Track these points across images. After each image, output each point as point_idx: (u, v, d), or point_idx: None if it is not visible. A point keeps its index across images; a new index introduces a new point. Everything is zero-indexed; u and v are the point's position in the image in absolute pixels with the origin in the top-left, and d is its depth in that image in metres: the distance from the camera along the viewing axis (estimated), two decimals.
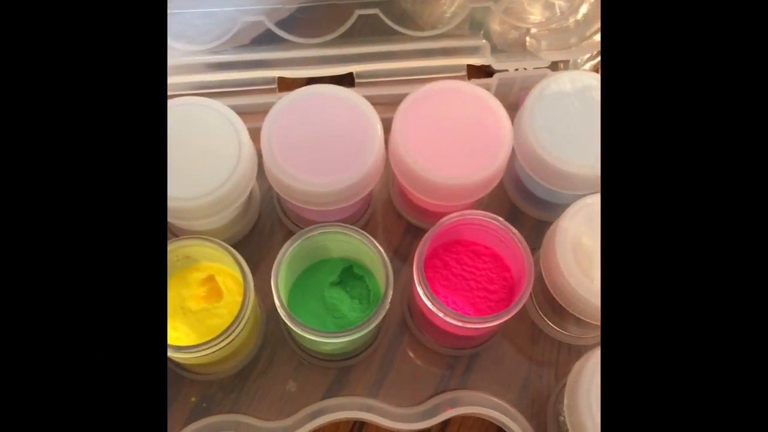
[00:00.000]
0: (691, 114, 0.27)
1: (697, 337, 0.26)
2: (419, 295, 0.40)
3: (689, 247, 0.27)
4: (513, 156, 0.44)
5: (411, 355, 0.45)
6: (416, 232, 0.48)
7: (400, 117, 0.43)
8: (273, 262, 0.40)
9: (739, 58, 0.27)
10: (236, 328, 0.38)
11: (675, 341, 0.26)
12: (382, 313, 0.39)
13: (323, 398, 0.44)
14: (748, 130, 0.27)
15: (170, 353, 0.38)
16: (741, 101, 0.27)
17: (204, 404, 0.43)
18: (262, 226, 0.48)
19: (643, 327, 0.27)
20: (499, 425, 0.43)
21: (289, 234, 0.47)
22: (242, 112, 0.43)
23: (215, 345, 0.38)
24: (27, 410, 0.25)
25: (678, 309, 0.27)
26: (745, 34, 0.27)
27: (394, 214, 0.49)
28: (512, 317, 0.39)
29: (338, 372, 0.45)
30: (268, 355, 0.45)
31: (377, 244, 0.40)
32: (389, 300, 0.39)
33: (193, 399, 0.43)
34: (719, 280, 0.27)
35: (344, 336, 0.39)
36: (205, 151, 0.41)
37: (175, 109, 0.42)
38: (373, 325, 0.39)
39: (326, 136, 0.42)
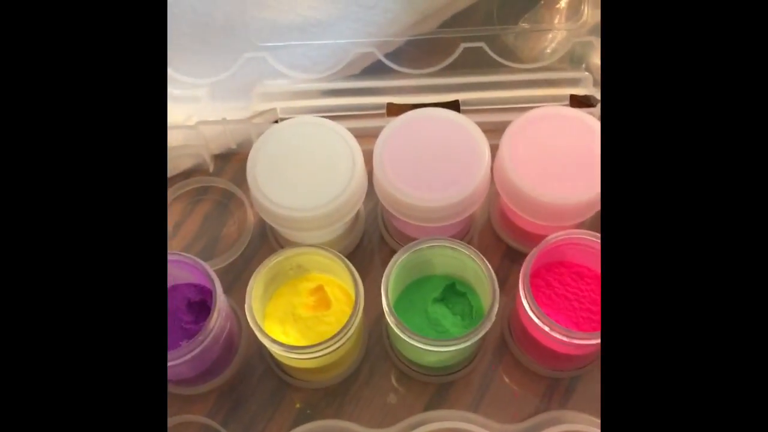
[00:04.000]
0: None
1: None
2: (524, 309, 0.41)
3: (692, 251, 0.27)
4: None
5: (511, 374, 0.46)
6: (514, 257, 0.49)
7: (507, 138, 0.44)
8: (375, 279, 0.42)
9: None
10: (348, 331, 0.40)
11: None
12: (488, 325, 0.40)
13: (423, 411, 0.44)
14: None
15: (283, 353, 0.40)
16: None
17: (308, 411, 0.45)
18: (366, 244, 0.50)
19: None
20: None
21: (392, 252, 0.49)
22: (353, 135, 0.45)
23: (326, 347, 0.39)
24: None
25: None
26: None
27: (494, 237, 0.50)
28: None
29: (438, 388, 0.45)
30: (370, 368, 0.46)
31: (483, 258, 0.41)
32: (495, 312, 0.40)
33: (297, 405, 0.45)
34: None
35: (449, 345, 0.40)
36: (321, 167, 0.43)
37: (296, 127, 0.45)
38: (479, 336, 0.40)
39: (436, 156, 0.44)
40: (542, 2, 0.55)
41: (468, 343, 0.40)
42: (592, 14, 0.52)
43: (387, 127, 0.45)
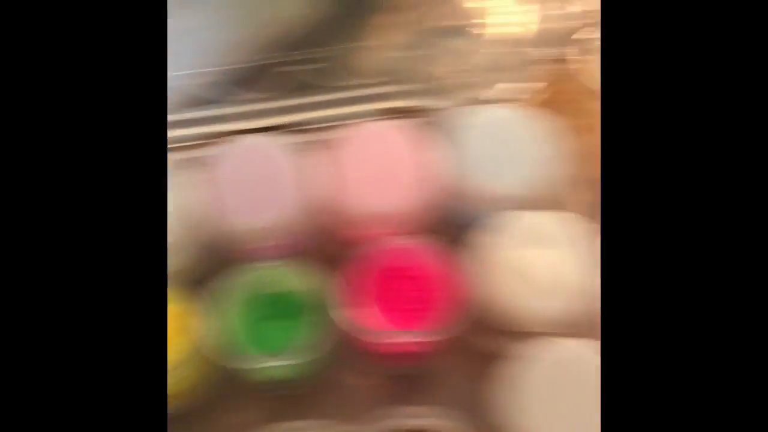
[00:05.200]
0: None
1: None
2: (357, 319, 0.42)
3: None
4: None
5: (353, 377, 0.47)
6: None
7: (328, 157, 0.46)
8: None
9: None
10: None
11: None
12: (324, 337, 0.41)
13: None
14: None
15: None
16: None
17: None
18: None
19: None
20: None
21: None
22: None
23: None
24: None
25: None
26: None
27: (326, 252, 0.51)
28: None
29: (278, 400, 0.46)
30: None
31: (314, 273, 0.43)
32: (328, 325, 0.41)
33: None
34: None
35: (284, 360, 0.41)
36: None
37: None
38: (314, 349, 0.41)
39: (249, 182, 0.45)
40: (365, 20, 0.57)
41: (301, 360, 0.41)
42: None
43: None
